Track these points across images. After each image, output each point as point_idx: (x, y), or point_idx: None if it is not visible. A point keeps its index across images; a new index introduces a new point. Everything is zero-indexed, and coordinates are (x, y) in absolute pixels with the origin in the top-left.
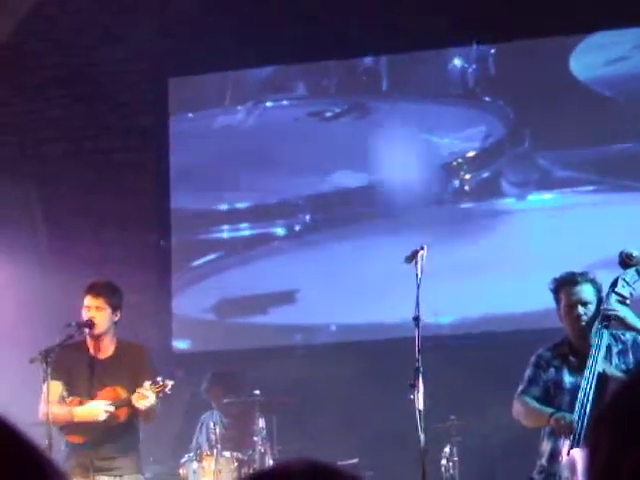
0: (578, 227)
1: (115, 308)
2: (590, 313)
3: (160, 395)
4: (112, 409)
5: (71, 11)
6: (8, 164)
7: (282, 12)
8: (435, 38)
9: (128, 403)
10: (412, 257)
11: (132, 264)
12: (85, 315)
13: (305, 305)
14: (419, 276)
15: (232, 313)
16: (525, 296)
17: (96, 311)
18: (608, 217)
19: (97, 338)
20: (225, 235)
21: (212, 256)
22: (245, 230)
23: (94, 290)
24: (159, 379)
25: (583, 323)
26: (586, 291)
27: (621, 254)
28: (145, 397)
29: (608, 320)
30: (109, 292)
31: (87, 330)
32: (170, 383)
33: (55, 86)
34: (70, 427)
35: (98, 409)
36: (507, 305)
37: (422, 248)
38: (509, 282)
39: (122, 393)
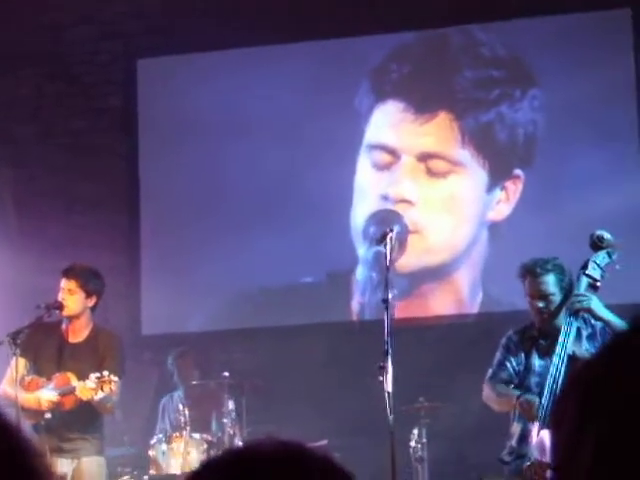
0: None
1: (90, 293)
2: (552, 305)
3: (106, 390)
4: (56, 399)
5: None
6: None
7: None
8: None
9: (72, 392)
10: (382, 239)
11: (102, 246)
12: (59, 297)
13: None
14: (388, 258)
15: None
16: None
17: (68, 294)
18: None
19: (70, 321)
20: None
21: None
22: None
23: (68, 273)
24: (105, 373)
25: (544, 316)
26: (546, 283)
27: (592, 236)
28: (87, 389)
29: (577, 312)
30: (83, 276)
31: (57, 312)
32: (114, 379)
33: (25, 66)
34: (23, 408)
35: (41, 399)
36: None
37: (391, 230)
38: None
39: (72, 381)
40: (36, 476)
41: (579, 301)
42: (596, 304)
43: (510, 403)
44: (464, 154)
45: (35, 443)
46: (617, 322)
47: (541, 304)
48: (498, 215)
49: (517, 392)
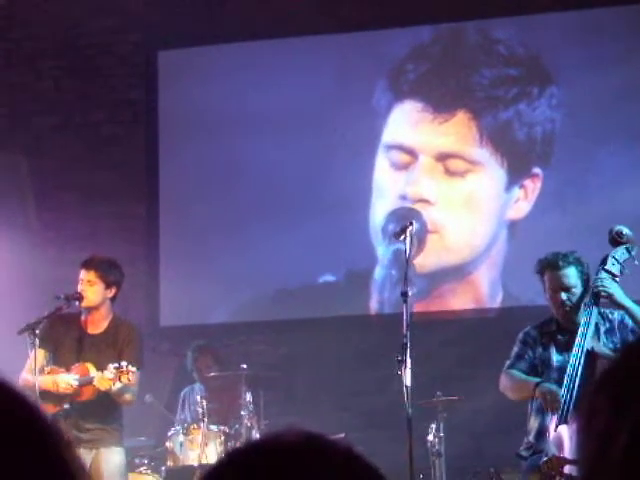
0: None
1: (109, 284)
2: (574, 297)
3: (124, 380)
4: (76, 384)
5: None
6: None
7: None
8: None
9: (91, 382)
10: (401, 233)
11: (121, 236)
12: (78, 288)
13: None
14: (408, 252)
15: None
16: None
17: (87, 285)
18: None
19: (89, 312)
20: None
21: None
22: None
23: (87, 264)
24: (123, 364)
25: (567, 308)
26: (569, 275)
27: (611, 231)
28: (105, 380)
29: (597, 297)
30: (102, 267)
31: (77, 303)
32: (133, 370)
33: (45, 58)
34: (42, 395)
35: (58, 380)
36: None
37: (411, 223)
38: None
39: (91, 371)
40: (68, 466)
41: (602, 284)
42: (617, 290)
43: (526, 390)
44: (482, 153)
45: (65, 434)
46: (637, 310)
47: (564, 296)
48: (517, 213)
49: (536, 380)
